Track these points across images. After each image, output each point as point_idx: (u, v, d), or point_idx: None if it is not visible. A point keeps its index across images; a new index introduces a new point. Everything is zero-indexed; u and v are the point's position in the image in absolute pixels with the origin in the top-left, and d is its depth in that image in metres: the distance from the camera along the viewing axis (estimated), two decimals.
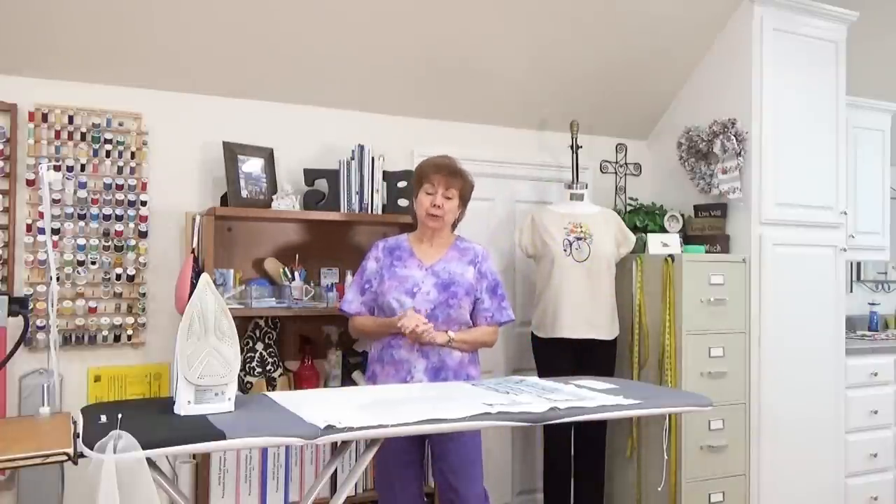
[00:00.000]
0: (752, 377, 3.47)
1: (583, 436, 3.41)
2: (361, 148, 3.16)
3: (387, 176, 3.21)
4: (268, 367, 3.05)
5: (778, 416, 3.52)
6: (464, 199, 2.67)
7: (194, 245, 2.85)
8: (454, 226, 2.72)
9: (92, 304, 2.93)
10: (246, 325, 3.03)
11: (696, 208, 3.73)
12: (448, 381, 2.49)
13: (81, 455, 1.50)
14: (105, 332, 2.95)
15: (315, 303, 3.05)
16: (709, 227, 3.63)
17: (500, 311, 2.65)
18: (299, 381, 3.09)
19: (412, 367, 2.50)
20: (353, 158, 3.16)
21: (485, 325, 2.63)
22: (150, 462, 1.49)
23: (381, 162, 3.19)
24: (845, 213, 3.79)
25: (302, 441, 1.60)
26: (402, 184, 3.22)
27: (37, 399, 2.15)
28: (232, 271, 2.97)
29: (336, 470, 2.81)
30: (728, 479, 3.41)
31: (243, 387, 2.94)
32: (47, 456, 1.50)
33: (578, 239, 3.37)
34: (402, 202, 3.22)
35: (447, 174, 2.59)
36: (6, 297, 2.34)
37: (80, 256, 2.92)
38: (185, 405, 1.70)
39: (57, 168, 2.86)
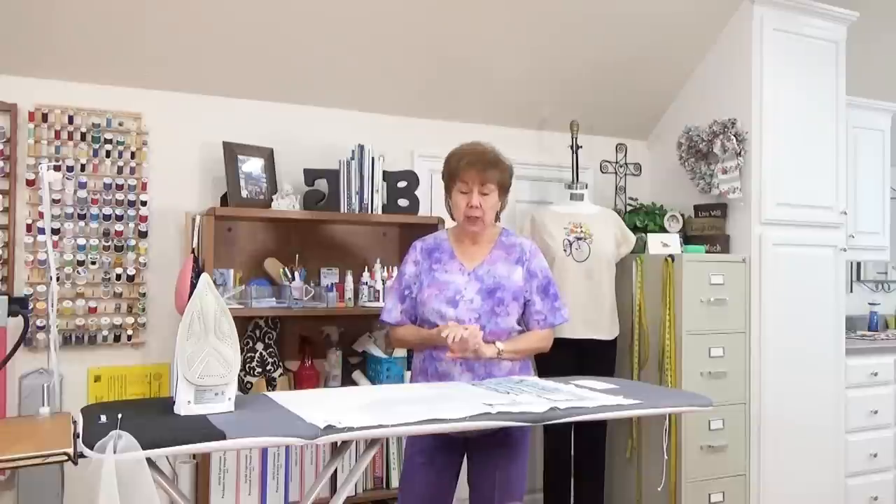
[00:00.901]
0: (752, 377, 3.47)
1: (583, 436, 3.41)
2: (361, 148, 3.16)
3: (387, 176, 3.21)
4: (268, 367, 3.05)
5: (778, 416, 3.52)
6: (504, 189, 2.38)
7: (194, 245, 2.85)
8: (497, 216, 2.44)
9: (92, 304, 2.93)
10: (246, 325, 3.03)
11: (696, 208, 3.73)
12: None
13: (81, 455, 1.50)
14: (105, 332, 2.95)
15: (315, 303, 3.04)
16: (709, 227, 3.63)
17: (553, 313, 2.38)
18: (299, 381, 3.09)
19: (457, 381, 2.26)
20: (353, 158, 3.16)
21: (537, 330, 2.37)
22: (150, 462, 1.49)
23: (381, 162, 3.19)
24: (845, 213, 3.80)
25: (302, 441, 1.60)
26: (401, 184, 3.22)
27: (37, 399, 2.15)
28: (232, 271, 2.97)
29: (336, 470, 2.81)
30: (728, 479, 3.41)
31: (243, 387, 2.94)
32: (47, 456, 1.50)
33: (578, 239, 3.37)
34: (402, 202, 3.22)
35: (481, 168, 2.29)
36: (6, 297, 2.35)
37: (80, 256, 2.91)
38: (185, 405, 1.69)
39: (57, 168, 2.86)
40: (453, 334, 2.14)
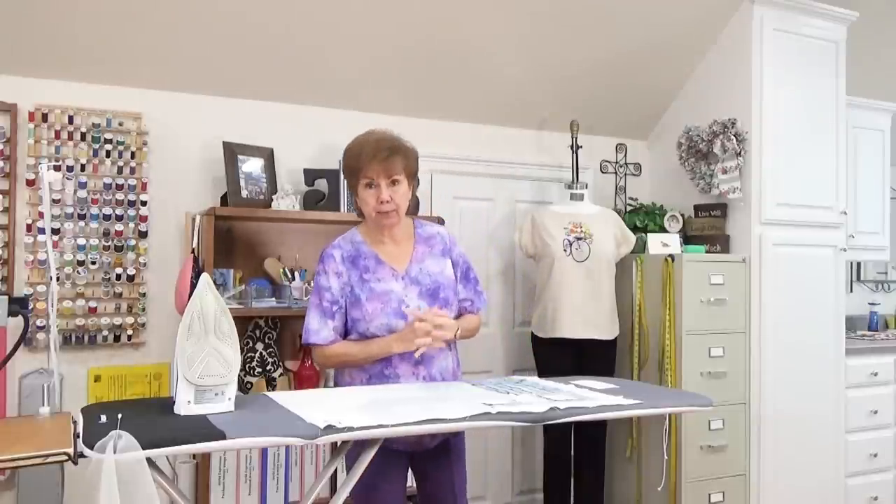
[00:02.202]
0: (752, 377, 3.47)
1: (583, 436, 3.41)
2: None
3: None
4: (268, 367, 3.05)
5: (778, 416, 3.52)
6: (412, 176, 2.20)
7: (194, 245, 2.85)
8: (409, 205, 2.26)
9: (92, 304, 2.93)
10: (246, 325, 3.03)
11: (696, 208, 3.73)
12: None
13: (81, 455, 1.50)
14: (105, 332, 2.95)
15: None
16: (709, 227, 3.63)
17: (478, 297, 2.32)
18: (299, 381, 3.09)
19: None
20: None
21: (467, 315, 2.30)
22: (150, 462, 1.49)
23: None
24: (845, 213, 3.80)
25: (302, 441, 1.59)
26: None
27: (37, 399, 2.15)
28: (232, 271, 2.97)
29: (336, 470, 2.81)
30: (728, 479, 3.41)
31: (243, 387, 2.94)
32: (47, 456, 1.50)
33: (578, 239, 3.37)
34: None
35: (384, 158, 2.09)
36: (6, 297, 2.34)
37: (80, 256, 2.91)
38: (185, 405, 1.69)
39: (57, 168, 2.86)
40: (426, 327, 2.06)
